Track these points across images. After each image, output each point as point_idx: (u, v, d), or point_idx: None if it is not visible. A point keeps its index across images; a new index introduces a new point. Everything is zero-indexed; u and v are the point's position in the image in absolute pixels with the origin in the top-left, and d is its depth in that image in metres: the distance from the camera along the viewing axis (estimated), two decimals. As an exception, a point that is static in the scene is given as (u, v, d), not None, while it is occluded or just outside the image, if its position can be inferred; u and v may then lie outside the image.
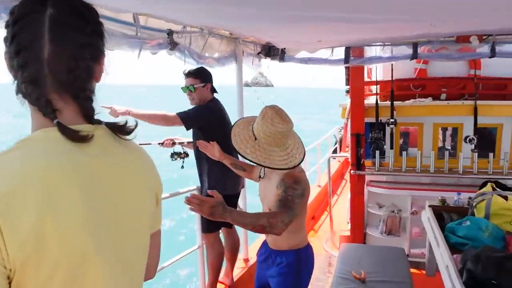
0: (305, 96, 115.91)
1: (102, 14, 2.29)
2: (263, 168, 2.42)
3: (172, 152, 3.53)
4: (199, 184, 3.47)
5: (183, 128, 3.28)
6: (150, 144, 3.42)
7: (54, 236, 0.73)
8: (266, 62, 4.49)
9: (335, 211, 6.41)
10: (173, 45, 2.80)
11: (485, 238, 2.61)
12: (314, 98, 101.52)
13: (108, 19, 2.36)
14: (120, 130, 0.93)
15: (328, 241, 5.69)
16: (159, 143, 3.48)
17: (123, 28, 2.47)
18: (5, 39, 0.85)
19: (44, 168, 0.76)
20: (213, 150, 2.71)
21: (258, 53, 4.32)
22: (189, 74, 3.35)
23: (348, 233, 5.32)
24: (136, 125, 0.96)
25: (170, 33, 2.80)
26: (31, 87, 0.82)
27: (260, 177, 2.47)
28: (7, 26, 0.85)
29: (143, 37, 2.53)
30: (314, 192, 7.04)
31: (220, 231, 3.60)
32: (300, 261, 2.34)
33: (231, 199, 3.30)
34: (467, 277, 2.15)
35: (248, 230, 3.29)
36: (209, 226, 3.42)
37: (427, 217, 3.35)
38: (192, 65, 3.27)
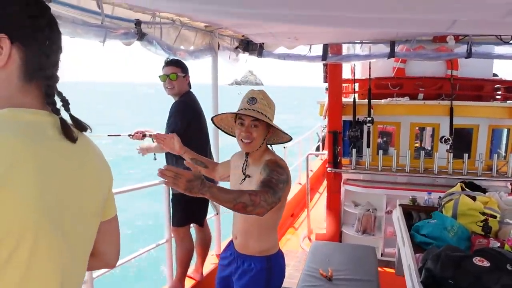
0: (295, 94, 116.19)
1: (66, 2, 2.25)
2: (244, 169, 2.20)
3: None
4: None
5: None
6: (119, 135, 3.36)
7: (8, 203, 0.78)
8: (244, 57, 4.44)
9: (315, 209, 6.40)
10: (140, 36, 2.74)
11: (450, 238, 2.60)
12: (303, 97, 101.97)
13: (73, 7, 2.30)
14: (65, 131, 0.97)
15: (305, 238, 5.68)
16: (129, 135, 3.40)
17: (88, 17, 2.41)
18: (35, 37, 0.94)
19: (12, 143, 0.82)
20: (172, 143, 2.47)
21: (236, 48, 4.27)
22: (171, 63, 3.29)
23: (325, 231, 5.32)
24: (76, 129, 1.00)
25: (138, 23, 2.74)
26: (53, 81, 0.97)
27: (243, 179, 2.19)
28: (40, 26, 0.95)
29: (108, 26, 2.46)
30: (294, 190, 7.02)
31: (192, 225, 3.55)
32: (271, 269, 2.17)
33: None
34: (426, 276, 2.14)
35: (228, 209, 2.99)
36: (180, 220, 3.37)
37: (397, 216, 3.35)
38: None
